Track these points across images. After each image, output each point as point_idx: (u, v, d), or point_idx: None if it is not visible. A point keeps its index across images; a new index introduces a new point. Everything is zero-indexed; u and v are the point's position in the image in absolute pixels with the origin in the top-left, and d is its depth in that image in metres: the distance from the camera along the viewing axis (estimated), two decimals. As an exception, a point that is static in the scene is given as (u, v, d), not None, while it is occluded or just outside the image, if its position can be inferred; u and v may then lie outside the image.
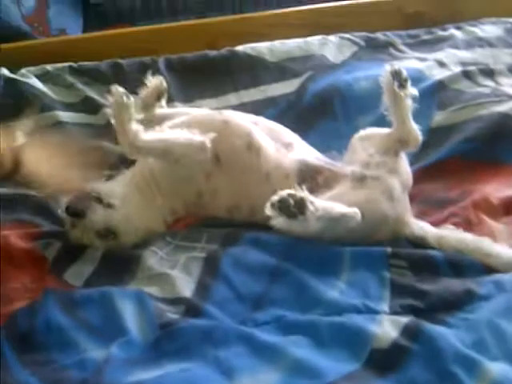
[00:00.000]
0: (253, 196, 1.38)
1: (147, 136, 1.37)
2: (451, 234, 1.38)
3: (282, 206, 1.27)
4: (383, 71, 1.46)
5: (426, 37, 2.09)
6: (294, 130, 1.52)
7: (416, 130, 1.45)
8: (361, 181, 1.39)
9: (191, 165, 1.41)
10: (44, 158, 1.35)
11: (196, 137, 1.40)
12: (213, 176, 1.43)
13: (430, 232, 1.40)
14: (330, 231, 1.32)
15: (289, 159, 1.43)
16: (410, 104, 1.44)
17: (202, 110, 1.59)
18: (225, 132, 1.43)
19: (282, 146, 1.46)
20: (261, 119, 1.52)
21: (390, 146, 1.44)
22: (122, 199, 1.37)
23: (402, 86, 1.44)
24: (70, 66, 1.87)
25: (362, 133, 1.50)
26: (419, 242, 1.38)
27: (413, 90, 1.45)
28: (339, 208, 1.31)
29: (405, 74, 1.45)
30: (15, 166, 1.31)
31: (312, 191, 1.33)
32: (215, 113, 1.53)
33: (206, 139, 1.39)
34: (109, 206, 1.35)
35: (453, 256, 1.34)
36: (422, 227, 1.41)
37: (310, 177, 1.41)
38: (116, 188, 1.40)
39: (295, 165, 1.42)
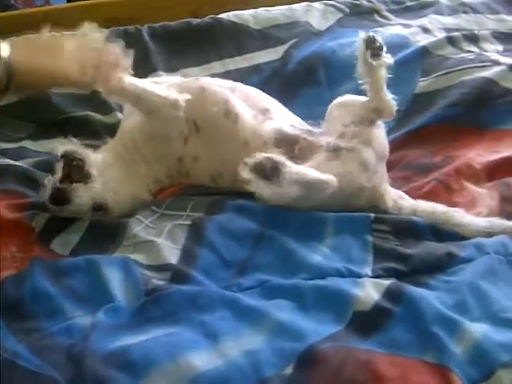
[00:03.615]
0: (233, 163, 1.37)
1: (128, 79, 1.38)
2: (425, 206, 1.38)
3: (258, 169, 1.28)
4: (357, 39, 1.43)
5: (410, 3, 2.10)
6: (278, 96, 1.52)
7: (390, 101, 1.43)
8: (336, 152, 1.39)
9: (164, 121, 1.41)
10: (37, 54, 1.37)
11: (172, 94, 1.41)
12: (191, 141, 1.44)
13: (404, 204, 1.40)
14: (307, 199, 1.32)
15: (265, 127, 1.43)
16: (384, 74, 1.42)
17: (177, 78, 1.58)
18: (201, 99, 1.44)
19: (260, 113, 1.46)
20: (238, 85, 1.52)
21: (366, 116, 1.43)
22: (101, 168, 1.37)
23: (376, 55, 1.41)
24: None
25: (340, 99, 1.49)
26: (395, 213, 1.39)
27: (387, 59, 1.42)
28: (315, 173, 1.32)
29: (379, 42, 1.41)
30: (8, 77, 1.31)
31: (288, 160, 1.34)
32: (191, 80, 1.53)
33: (181, 98, 1.40)
34: (87, 176, 1.34)
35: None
36: (397, 199, 1.41)
37: (287, 146, 1.41)
38: (99, 157, 1.39)
39: (272, 133, 1.42)
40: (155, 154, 1.44)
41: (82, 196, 1.33)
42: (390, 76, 1.43)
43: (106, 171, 1.38)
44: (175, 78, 1.59)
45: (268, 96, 1.53)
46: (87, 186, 1.34)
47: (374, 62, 1.40)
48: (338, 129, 1.42)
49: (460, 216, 1.35)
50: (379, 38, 1.42)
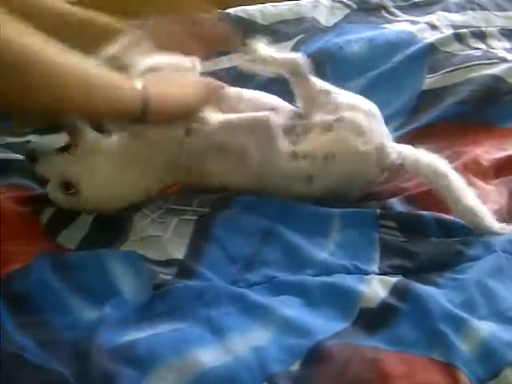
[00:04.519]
0: None
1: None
2: (426, 160, 1.38)
3: None
4: None
5: (417, 0, 2.09)
6: (284, 92, 1.52)
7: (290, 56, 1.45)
8: (328, 127, 1.39)
9: None
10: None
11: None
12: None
13: (407, 158, 1.40)
14: None
15: None
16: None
17: None
18: None
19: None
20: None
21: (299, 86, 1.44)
22: (99, 151, 1.36)
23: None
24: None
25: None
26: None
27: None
28: None
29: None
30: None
31: None
32: None
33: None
34: (65, 149, 1.34)
35: (442, 216, 1.34)
36: (400, 152, 1.41)
37: (286, 133, 1.41)
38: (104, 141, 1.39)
39: None
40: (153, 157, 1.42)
41: (51, 162, 1.34)
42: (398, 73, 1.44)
43: (101, 156, 1.36)
44: None
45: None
46: (65, 155, 1.34)
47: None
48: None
49: (457, 186, 1.34)
50: None
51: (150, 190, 1.41)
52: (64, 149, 1.35)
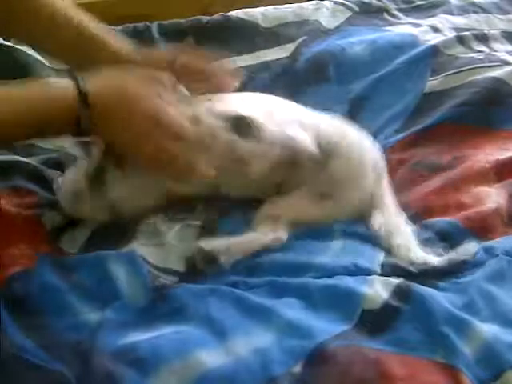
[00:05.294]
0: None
1: None
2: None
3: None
4: None
5: (420, 2, 2.08)
6: (287, 94, 1.52)
7: None
8: (317, 198, 1.36)
9: None
10: None
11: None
12: None
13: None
14: None
15: None
16: None
17: None
18: None
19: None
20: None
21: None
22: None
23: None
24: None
25: None
26: None
27: None
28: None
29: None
30: None
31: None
32: None
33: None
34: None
35: (439, 227, 1.33)
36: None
37: None
38: None
39: None
40: None
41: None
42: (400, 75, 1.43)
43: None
44: None
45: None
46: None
47: None
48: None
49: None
50: None
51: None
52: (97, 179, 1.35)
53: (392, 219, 1.35)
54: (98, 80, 1.24)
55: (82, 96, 1.21)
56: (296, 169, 1.36)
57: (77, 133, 1.24)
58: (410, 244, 1.29)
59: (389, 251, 1.29)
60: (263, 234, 1.29)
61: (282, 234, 1.30)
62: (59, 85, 1.26)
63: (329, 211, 1.36)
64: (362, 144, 1.43)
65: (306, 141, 1.35)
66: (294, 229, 1.32)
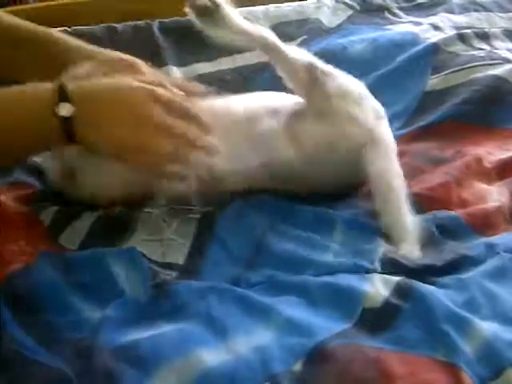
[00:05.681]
0: None
1: None
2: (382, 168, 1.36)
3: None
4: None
5: (421, 0, 2.09)
6: (288, 93, 1.52)
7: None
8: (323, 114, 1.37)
9: None
10: None
11: None
12: None
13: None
14: None
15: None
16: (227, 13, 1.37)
17: None
18: None
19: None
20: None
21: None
22: None
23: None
24: (65, 31, 1.86)
25: None
26: None
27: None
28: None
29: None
30: None
31: None
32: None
33: None
34: None
35: (441, 220, 1.33)
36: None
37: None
38: None
39: None
40: None
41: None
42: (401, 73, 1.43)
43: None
44: None
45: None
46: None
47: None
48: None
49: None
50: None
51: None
52: None
53: (396, 206, 1.33)
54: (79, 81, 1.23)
55: (60, 92, 1.18)
56: None
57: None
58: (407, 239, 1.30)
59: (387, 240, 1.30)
60: None
61: None
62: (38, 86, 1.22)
63: (336, 124, 1.36)
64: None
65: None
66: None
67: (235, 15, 1.35)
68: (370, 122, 1.39)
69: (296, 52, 1.44)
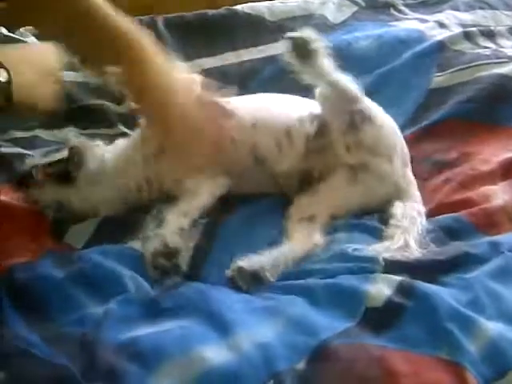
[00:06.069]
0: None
1: None
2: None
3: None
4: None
5: (426, -2, 2.09)
6: (293, 89, 1.51)
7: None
8: (354, 176, 1.36)
9: None
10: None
11: None
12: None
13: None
14: None
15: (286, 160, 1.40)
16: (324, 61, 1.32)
17: None
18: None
19: (283, 136, 1.42)
20: (262, 103, 1.50)
21: (343, 111, 1.37)
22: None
23: (304, 54, 1.31)
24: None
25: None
26: None
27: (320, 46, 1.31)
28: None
29: (301, 39, 1.31)
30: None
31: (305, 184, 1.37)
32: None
33: None
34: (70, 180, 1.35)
35: (444, 223, 1.33)
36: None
37: (304, 175, 1.40)
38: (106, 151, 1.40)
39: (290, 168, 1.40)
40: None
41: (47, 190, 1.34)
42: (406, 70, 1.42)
43: (99, 187, 1.37)
44: None
45: (283, 100, 1.50)
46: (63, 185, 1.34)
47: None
48: (338, 136, 1.38)
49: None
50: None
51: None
52: (62, 177, 1.35)
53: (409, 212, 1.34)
54: None
55: None
56: (325, 151, 1.38)
57: None
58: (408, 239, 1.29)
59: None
60: (302, 243, 1.28)
61: (319, 239, 1.29)
62: None
63: (367, 187, 1.36)
64: (393, 123, 1.44)
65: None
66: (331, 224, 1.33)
67: (329, 64, 1.33)
68: (397, 175, 1.39)
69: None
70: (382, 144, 1.38)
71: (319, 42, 1.30)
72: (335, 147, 1.38)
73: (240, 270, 1.21)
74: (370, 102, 1.41)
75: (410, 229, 1.30)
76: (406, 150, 1.44)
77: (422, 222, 1.33)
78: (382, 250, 1.25)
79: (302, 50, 1.30)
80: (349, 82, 1.36)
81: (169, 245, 1.24)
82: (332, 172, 1.37)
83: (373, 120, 1.38)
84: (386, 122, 1.42)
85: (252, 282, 1.20)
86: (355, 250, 1.24)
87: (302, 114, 1.43)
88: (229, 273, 1.21)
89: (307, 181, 1.38)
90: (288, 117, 1.43)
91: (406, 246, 1.26)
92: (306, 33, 1.30)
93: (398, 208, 1.35)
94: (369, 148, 1.37)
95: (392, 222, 1.32)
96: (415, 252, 1.26)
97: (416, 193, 1.41)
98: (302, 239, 1.29)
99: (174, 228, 1.27)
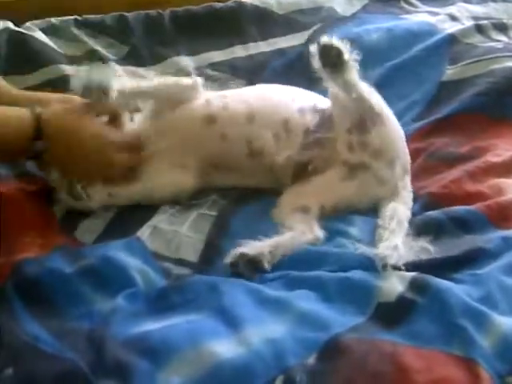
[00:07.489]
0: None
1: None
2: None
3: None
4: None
5: (437, -10, 2.07)
6: (302, 81, 1.50)
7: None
8: (351, 171, 1.35)
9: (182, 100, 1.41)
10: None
11: (184, 78, 1.43)
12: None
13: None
14: None
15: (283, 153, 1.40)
16: (353, 73, 1.31)
17: None
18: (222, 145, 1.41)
19: (281, 128, 1.41)
20: (259, 94, 1.48)
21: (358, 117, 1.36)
22: None
23: (335, 64, 1.29)
24: (76, 19, 1.86)
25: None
26: None
27: (351, 57, 1.30)
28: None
29: (335, 48, 1.28)
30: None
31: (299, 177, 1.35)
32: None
33: (197, 79, 1.42)
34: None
35: (457, 213, 1.31)
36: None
37: (301, 166, 1.38)
38: None
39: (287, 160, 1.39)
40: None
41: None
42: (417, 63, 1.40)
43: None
44: None
45: (284, 91, 1.48)
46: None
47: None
48: (343, 136, 1.37)
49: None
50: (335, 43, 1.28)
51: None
52: None
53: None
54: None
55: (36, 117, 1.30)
56: (324, 145, 1.37)
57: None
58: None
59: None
60: (301, 233, 1.28)
61: (319, 233, 1.29)
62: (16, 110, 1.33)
63: (363, 186, 1.35)
64: (400, 129, 1.44)
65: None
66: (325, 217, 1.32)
67: (356, 77, 1.32)
68: (396, 180, 1.39)
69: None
70: (387, 149, 1.38)
71: (350, 54, 1.29)
72: (336, 143, 1.37)
73: (242, 255, 1.21)
74: (385, 106, 1.40)
75: (396, 231, 1.29)
76: (408, 157, 1.43)
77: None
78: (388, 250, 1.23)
79: (334, 59, 1.28)
80: (372, 95, 1.37)
81: None
82: (327, 167, 1.36)
83: (384, 125, 1.38)
84: (395, 128, 1.42)
85: (250, 267, 1.21)
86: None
87: (304, 105, 1.42)
88: (229, 259, 1.21)
89: (301, 174, 1.37)
90: (287, 107, 1.42)
91: (395, 248, 1.24)
92: (339, 43, 1.28)
93: (389, 209, 1.34)
94: (374, 151, 1.36)
95: (380, 222, 1.31)
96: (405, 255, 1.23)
97: (410, 202, 1.39)
98: (303, 230, 1.29)
99: None
